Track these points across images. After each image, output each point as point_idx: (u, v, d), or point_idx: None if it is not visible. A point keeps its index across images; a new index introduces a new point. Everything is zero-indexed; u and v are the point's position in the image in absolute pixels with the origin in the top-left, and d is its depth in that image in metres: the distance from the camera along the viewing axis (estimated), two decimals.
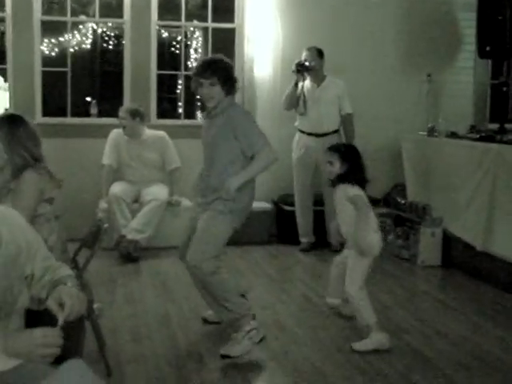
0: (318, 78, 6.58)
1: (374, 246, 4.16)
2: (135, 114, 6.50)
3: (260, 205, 6.85)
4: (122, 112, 6.53)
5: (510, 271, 5.40)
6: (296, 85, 6.43)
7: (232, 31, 7.28)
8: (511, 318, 4.78)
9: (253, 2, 7.07)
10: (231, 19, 7.28)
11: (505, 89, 7.20)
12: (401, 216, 6.74)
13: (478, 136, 6.31)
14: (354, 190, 4.13)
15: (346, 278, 4.19)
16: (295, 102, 6.49)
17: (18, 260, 1.10)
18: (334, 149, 4.30)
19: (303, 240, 6.76)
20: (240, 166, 4.06)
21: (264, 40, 7.11)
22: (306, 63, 6.44)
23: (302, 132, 6.66)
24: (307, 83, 6.51)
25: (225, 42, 7.57)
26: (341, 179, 4.19)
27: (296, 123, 6.67)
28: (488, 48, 7.01)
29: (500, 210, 5.52)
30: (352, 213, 4.15)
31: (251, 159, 4.06)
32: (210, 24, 7.30)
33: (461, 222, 6.03)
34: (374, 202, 7.10)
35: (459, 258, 6.09)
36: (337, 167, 4.18)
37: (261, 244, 6.89)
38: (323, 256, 6.49)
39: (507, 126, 6.87)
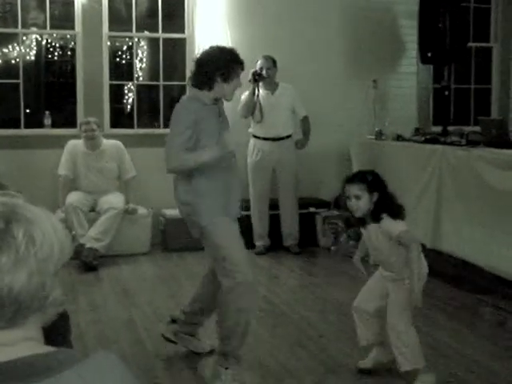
0: (272, 86, 6.78)
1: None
2: (99, 126, 6.67)
3: None
4: (91, 124, 6.62)
5: (457, 266, 5.67)
6: (253, 93, 6.58)
7: (182, 41, 7.43)
8: (462, 311, 5.03)
9: (203, 11, 7.22)
10: (181, 29, 7.42)
11: (446, 93, 7.52)
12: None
13: (423, 139, 6.59)
14: (398, 226, 3.51)
15: (392, 308, 3.64)
16: (252, 109, 6.65)
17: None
18: (357, 179, 3.60)
19: (258, 243, 6.91)
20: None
21: None
22: (263, 72, 6.61)
23: (257, 137, 6.83)
24: (261, 91, 6.68)
25: (175, 52, 7.71)
26: (377, 214, 3.54)
27: (250, 129, 6.83)
28: (429, 54, 7.31)
29: (446, 209, 5.78)
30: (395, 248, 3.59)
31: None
32: (161, 34, 7.41)
33: (410, 221, 6.25)
34: (325, 204, 7.38)
35: None
36: (365, 200, 3.52)
37: None
38: (278, 258, 6.68)
39: (450, 128, 7.19)
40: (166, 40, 7.50)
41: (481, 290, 5.32)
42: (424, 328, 4.64)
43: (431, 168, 5.96)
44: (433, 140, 6.39)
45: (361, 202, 3.52)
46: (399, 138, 6.87)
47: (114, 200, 6.63)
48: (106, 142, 6.79)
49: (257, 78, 6.55)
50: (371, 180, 3.57)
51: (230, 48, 3.88)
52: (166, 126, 7.48)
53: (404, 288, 3.54)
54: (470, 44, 7.85)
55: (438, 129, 7.47)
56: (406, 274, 3.53)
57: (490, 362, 4.04)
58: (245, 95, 6.61)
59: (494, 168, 5.22)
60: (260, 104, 6.62)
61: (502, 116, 8.26)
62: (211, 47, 3.86)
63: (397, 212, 3.55)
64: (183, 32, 7.40)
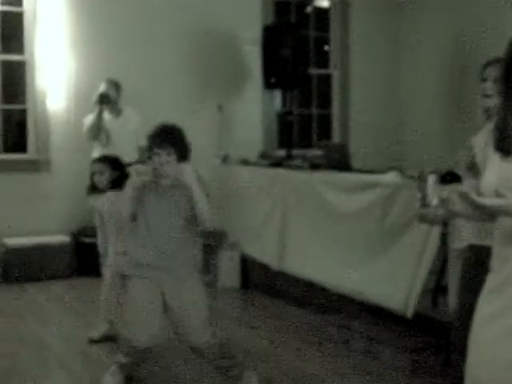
0: (116, 110, 6.63)
1: None
2: None
3: (58, 238, 6.90)
4: None
5: (302, 288, 5.78)
6: (99, 115, 6.41)
7: (22, 63, 7.14)
8: (308, 331, 5.13)
9: (44, 33, 7.00)
10: (20, 50, 7.13)
11: (289, 117, 7.71)
12: None
13: (268, 162, 6.71)
14: None
15: None
16: (98, 132, 6.47)
17: None
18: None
19: None
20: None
21: (56, 72, 7.06)
22: (111, 94, 6.47)
23: None
24: (105, 115, 6.53)
25: (14, 74, 7.40)
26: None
27: (94, 154, 6.62)
28: (273, 80, 7.49)
29: (291, 231, 5.90)
30: None
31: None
32: None
33: (257, 244, 6.35)
34: None
35: (257, 279, 6.41)
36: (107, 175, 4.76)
37: (61, 278, 6.78)
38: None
39: (294, 151, 7.38)
40: (4, 62, 7.19)
41: (327, 309, 5.45)
42: (270, 349, 4.70)
43: (276, 191, 6.08)
44: (277, 164, 6.52)
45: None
46: (244, 162, 6.96)
47: None
48: None
49: (104, 99, 6.40)
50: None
51: (157, 125, 3.63)
52: (6, 150, 7.19)
53: None
54: (312, 70, 8.10)
55: (282, 152, 7.63)
56: None
57: (336, 380, 4.13)
58: (87, 118, 6.46)
59: (335, 191, 5.38)
60: (105, 128, 6.48)
61: (342, 140, 8.58)
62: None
63: None
64: (22, 53, 7.13)
